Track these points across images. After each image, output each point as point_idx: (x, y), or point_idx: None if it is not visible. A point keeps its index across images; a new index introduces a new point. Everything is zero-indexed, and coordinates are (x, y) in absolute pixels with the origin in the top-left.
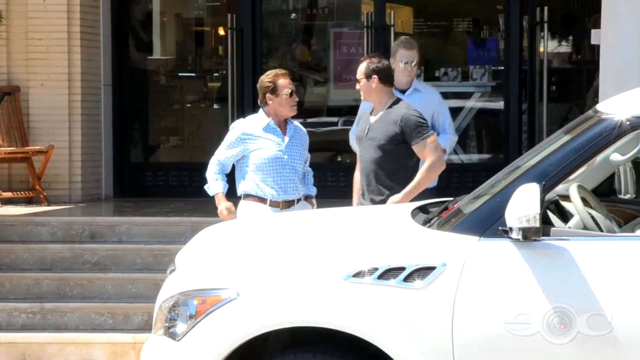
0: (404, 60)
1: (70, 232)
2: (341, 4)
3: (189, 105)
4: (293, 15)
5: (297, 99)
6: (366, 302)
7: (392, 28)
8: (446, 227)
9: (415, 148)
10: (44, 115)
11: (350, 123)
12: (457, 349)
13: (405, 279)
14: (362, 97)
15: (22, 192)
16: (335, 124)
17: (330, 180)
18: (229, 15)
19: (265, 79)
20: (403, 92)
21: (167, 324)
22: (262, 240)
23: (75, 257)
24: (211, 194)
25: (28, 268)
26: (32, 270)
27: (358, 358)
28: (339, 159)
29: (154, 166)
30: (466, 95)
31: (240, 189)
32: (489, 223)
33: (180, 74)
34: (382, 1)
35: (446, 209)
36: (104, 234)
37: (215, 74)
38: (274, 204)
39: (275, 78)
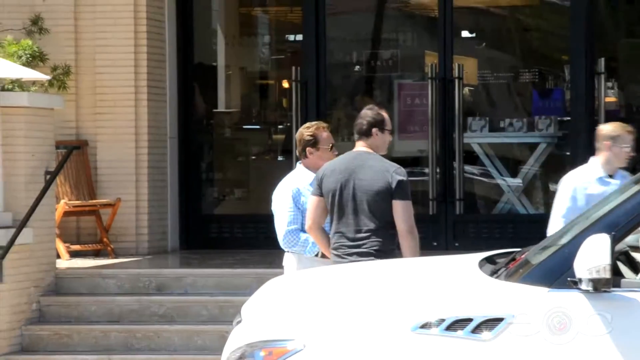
0: (628, 144)
1: (137, 284)
2: (405, 56)
3: (253, 157)
4: (357, 68)
5: (336, 153)
6: (433, 353)
7: (458, 80)
8: (514, 277)
9: None
10: (111, 169)
11: (415, 174)
12: None
13: (473, 331)
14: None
15: (90, 245)
16: None
17: None
18: (293, 68)
19: (306, 132)
20: (611, 176)
21: None
22: (329, 291)
23: (142, 309)
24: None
25: (96, 320)
26: (100, 323)
27: None
28: None
29: (219, 218)
30: (532, 146)
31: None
32: (558, 274)
33: (245, 126)
34: (447, 53)
35: (514, 259)
36: (170, 286)
37: (280, 126)
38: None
39: (317, 131)
